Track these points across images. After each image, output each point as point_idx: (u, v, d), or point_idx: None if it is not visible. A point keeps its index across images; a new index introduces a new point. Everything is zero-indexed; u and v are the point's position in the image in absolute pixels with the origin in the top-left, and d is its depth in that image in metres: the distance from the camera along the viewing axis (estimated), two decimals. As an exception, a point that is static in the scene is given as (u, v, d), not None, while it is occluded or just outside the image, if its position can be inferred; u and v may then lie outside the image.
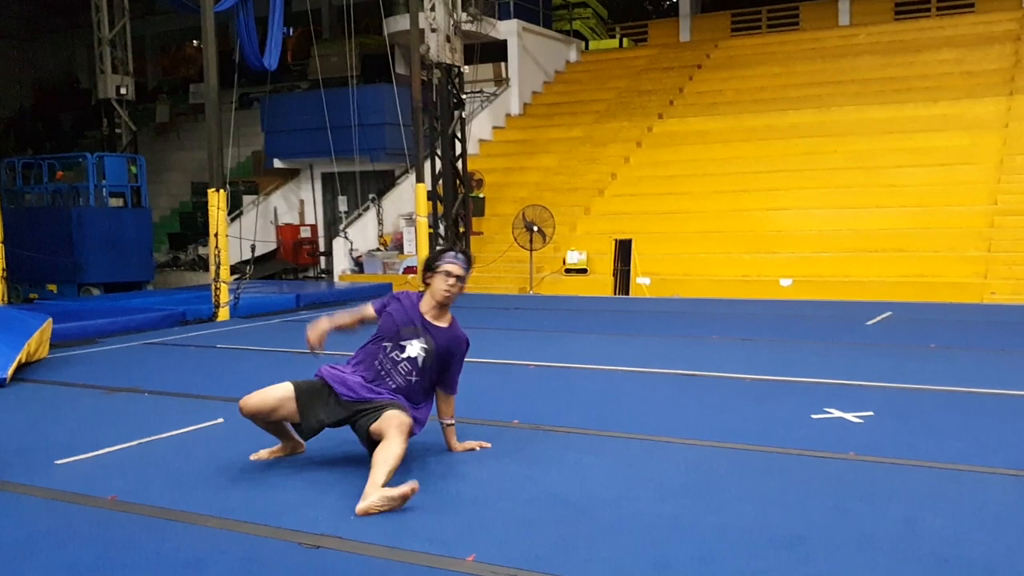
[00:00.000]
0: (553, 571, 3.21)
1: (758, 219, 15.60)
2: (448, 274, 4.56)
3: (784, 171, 16.50)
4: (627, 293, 14.89)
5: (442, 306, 4.63)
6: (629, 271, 14.95)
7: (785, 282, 14.00)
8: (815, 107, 18.26)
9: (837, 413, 5.63)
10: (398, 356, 4.54)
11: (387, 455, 4.07)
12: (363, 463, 4.67)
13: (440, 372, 4.65)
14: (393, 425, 4.20)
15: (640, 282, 14.87)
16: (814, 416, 5.58)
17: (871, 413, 5.62)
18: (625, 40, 25.15)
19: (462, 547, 3.44)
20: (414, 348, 4.53)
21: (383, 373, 4.54)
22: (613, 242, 15.17)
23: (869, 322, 10.37)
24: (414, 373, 4.53)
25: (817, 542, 3.46)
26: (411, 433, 4.32)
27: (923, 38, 19.92)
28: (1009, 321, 10.47)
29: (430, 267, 4.63)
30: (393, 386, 4.51)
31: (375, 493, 3.87)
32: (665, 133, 19.25)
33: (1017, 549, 3.37)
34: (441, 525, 3.72)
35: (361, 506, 3.85)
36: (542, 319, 11.77)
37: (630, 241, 15.05)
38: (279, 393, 4.51)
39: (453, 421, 4.81)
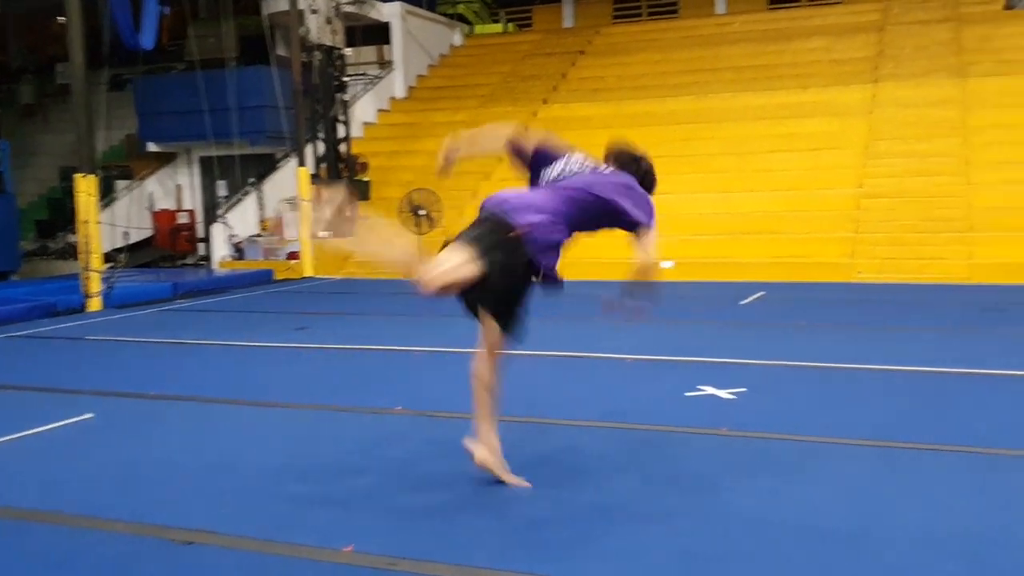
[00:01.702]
0: (432, 558, 3.22)
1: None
2: None
3: (664, 156, 16.68)
4: (513, 277, 14.97)
5: None
6: (514, 255, 15.02)
7: (666, 264, 14.35)
8: (693, 94, 18.71)
9: (711, 390, 5.82)
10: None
11: None
12: (241, 460, 4.58)
13: None
14: None
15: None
16: (688, 394, 5.76)
17: (743, 389, 5.83)
18: (510, 25, 25.21)
19: (340, 537, 3.41)
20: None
21: None
22: (499, 226, 15.23)
23: (743, 302, 10.75)
24: None
25: (686, 516, 3.58)
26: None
27: (795, 27, 20.64)
28: (874, 299, 11.01)
29: None
30: None
31: None
32: (550, 118, 19.39)
33: (874, 517, 3.56)
34: (320, 515, 3.68)
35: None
36: (429, 304, 11.74)
37: (515, 225, 15.12)
38: None
39: None
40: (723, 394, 5.72)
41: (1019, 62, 16.95)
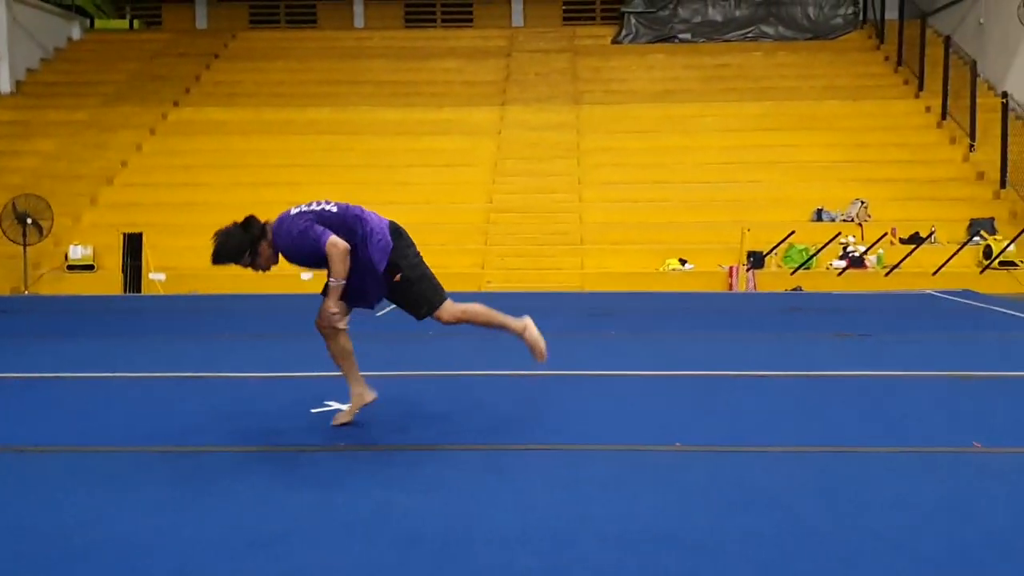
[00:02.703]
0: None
1: (279, 212, 15.62)
2: None
3: (304, 166, 16.75)
4: (139, 291, 14.04)
5: None
6: (140, 266, 14.10)
7: (305, 276, 14.20)
8: (332, 105, 18.77)
9: (335, 405, 5.82)
10: None
11: None
12: None
13: None
14: None
15: (154, 278, 14.10)
16: (314, 410, 5.72)
17: (368, 402, 5.88)
18: (136, 21, 23.61)
19: None
20: None
21: None
22: (121, 236, 14.19)
23: (379, 312, 10.89)
24: None
25: (296, 538, 3.52)
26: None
27: (430, 47, 21.47)
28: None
29: None
30: None
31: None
32: (181, 121, 18.47)
33: (473, 519, 3.74)
34: None
35: None
36: (35, 323, 10.62)
37: (140, 235, 14.19)
38: None
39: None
40: (347, 408, 5.73)
41: (624, 92, 19.02)
